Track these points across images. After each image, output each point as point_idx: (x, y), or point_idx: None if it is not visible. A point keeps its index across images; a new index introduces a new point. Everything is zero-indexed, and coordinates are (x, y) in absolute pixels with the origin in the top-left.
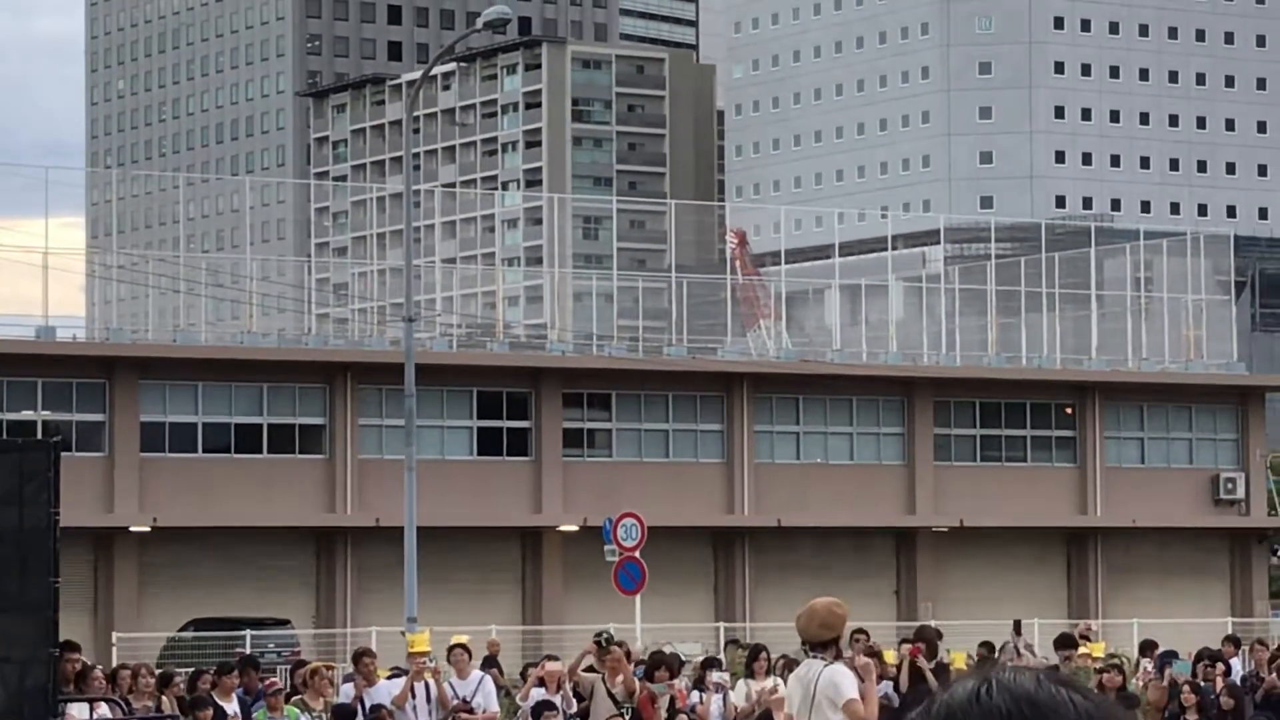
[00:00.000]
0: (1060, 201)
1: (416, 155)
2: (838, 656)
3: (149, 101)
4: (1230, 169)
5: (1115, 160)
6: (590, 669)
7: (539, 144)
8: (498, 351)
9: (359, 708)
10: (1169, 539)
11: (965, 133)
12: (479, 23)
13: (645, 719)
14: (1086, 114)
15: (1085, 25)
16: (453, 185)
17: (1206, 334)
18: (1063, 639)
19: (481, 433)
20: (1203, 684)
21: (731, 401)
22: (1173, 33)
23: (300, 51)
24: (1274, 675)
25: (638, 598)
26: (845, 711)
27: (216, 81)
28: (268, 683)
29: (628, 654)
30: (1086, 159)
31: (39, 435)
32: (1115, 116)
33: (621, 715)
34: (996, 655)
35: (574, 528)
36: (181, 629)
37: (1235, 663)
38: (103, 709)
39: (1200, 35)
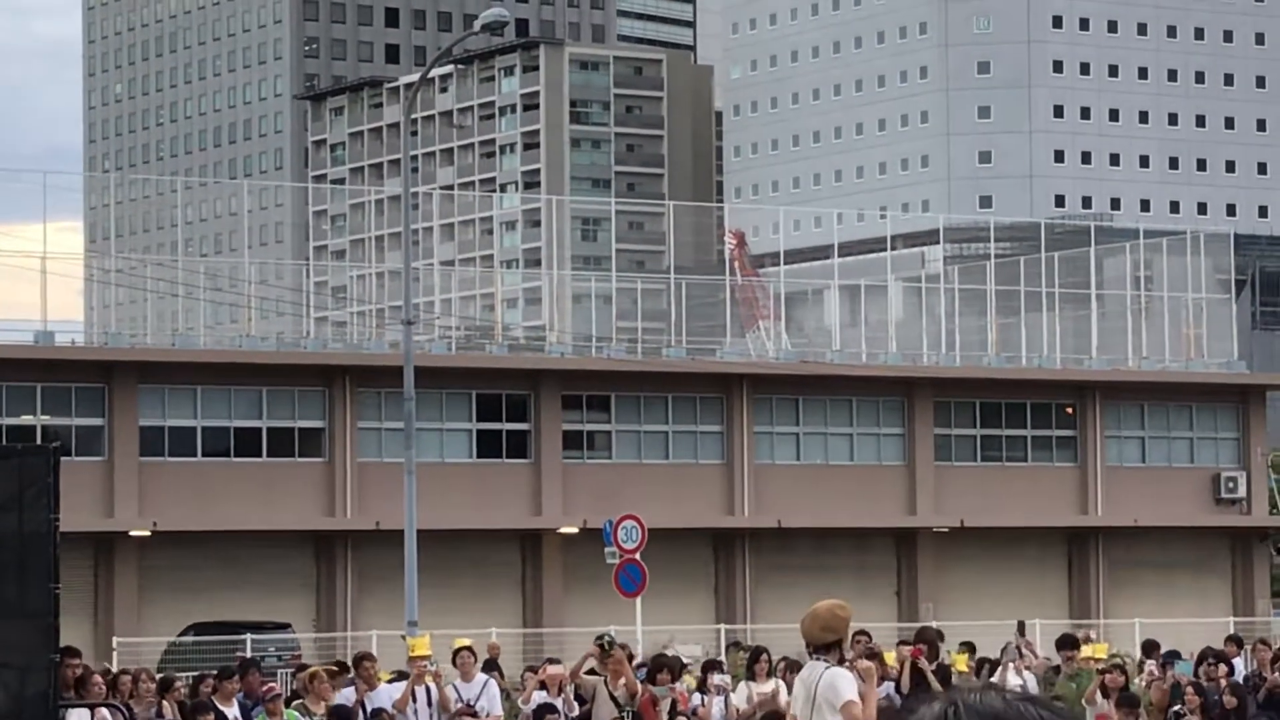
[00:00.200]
0: (1060, 201)
1: (414, 158)
2: (841, 659)
3: (146, 105)
4: (1230, 167)
5: (1114, 159)
6: (592, 672)
7: (537, 146)
8: (497, 354)
9: (359, 711)
10: (1170, 538)
11: (964, 132)
12: (476, 25)
13: None
14: (1085, 113)
15: (1084, 24)
16: (451, 187)
17: (1207, 333)
18: (1064, 639)
19: (481, 435)
20: (1206, 684)
21: (731, 403)
22: (1171, 31)
23: (298, 54)
24: (1276, 674)
25: (638, 600)
26: (843, 713)
27: (214, 85)
28: (266, 688)
29: (629, 657)
30: (1086, 158)
31: (38, 440)
32: (1114, 115)
33: (623, 718)
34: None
35: (574, 530)
36: (182, 633)
37: (1237, 662)
38: (104, 715)
39: (1199, 33)
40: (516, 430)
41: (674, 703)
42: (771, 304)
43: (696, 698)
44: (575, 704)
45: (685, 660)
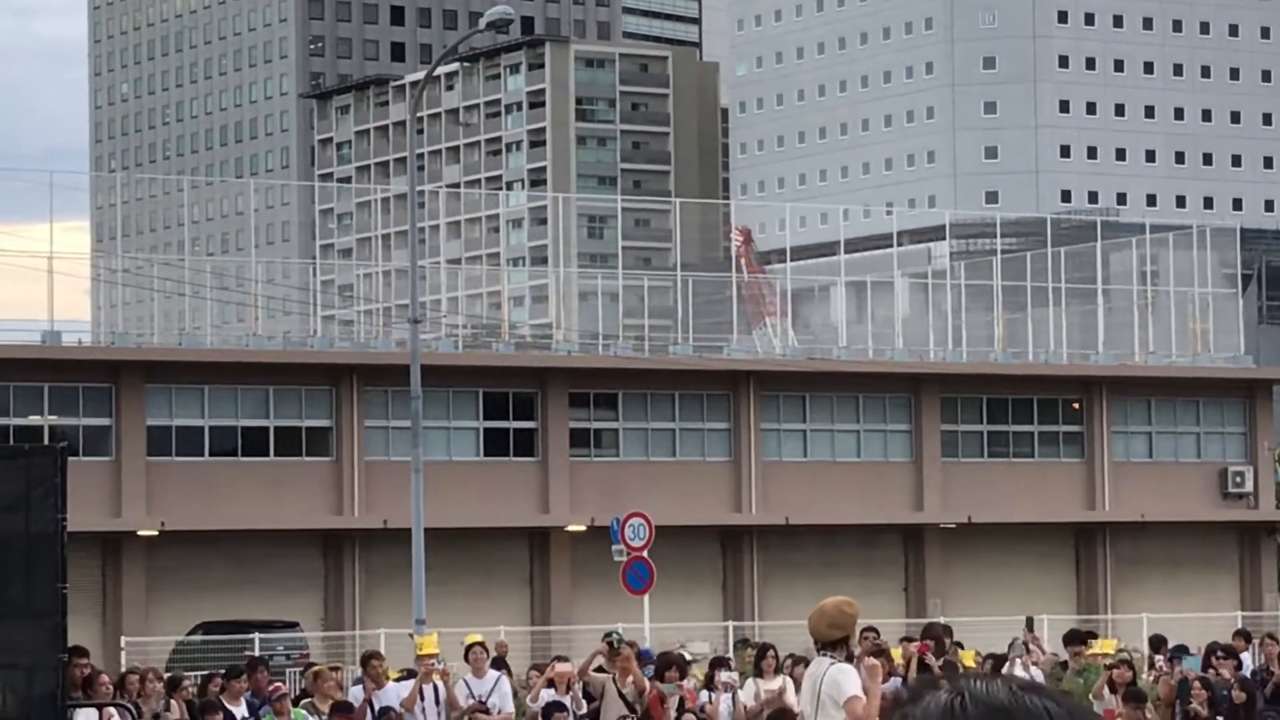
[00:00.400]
0: (1066, 196)
1: (420, 156)
2: (849, 656)
3: (153, 105)
4: (1236, 161)
5: (1120, 154)
6: (600, 669)
7: (543, 143)
8: (503, 352)
9: (368, 710)
10: (1178, 533)
11: (970, 128)
12: (482, 23)
13: (655, 719)
14: (1091, 108)
15: (1089, 19)
16: (457, 186)
17: (1213, 327)
18: (1072, 635)
19: (488, 433)
20: (1214, 679)
21: (738, 400)
22: (1177, 25)
23: (303, 53)
24: None
25: (646, 597)
26: (845, 709)
27: (220, 84)
28: (272, 688)
29: (637, 654)
30: (1092, 153)
31: (45, 440)
32: (1120, 110)
33: (632, 715)
34: (1006, 652)
35: (581, 528)
36: (190, 632)
37: (1245, 657)
38: (112, 714)
39: (1204, 28)
40: (523, 428)
41: (682, 700)
42: (778, 301)
43: (704, 695)
44: (583, 702)
45: (688, 657)
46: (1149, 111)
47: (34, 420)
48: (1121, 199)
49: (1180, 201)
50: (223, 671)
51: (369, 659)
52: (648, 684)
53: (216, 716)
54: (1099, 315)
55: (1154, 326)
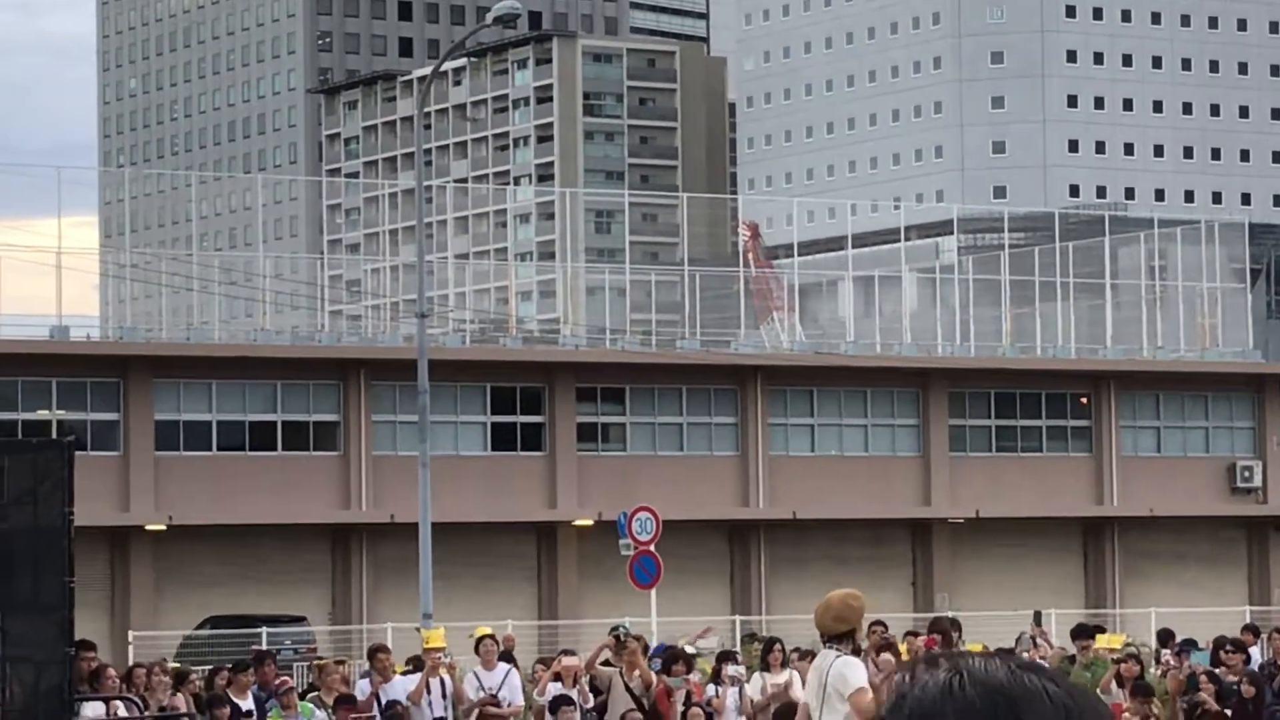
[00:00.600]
0: (1074, 190)
1: (428, 151)
2: (855, 649)
3: (160, 100)
4: (1244, 156)
5: (1129, 149)
6: (607, 663)
7: (550, 139)
8: (511, 346)
9: (374, 703)
10: (1186, 528)
11: (978, 123)
12: (489, 18)
13: (662, 712)
14: (1099, 103)
15: (1097, 13)
16: (464, 181)
17: (1222, 322)
18: (1080, 629)
19: (495, 428)
20: (1222, 674)
21: (745, 394)
22: (1185, 20)
23: (311, 48)
24: None
25: (653, 591)
26: (850, 702)
27: (228, 79)
28: (279, 681)
29: (644, 648)
30: (1100, 148)
31: (53, 435)
32: (1128, 105)
33: (638, 709)
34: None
35: (589, 522)
36: (198, 627)
37: (1254, 651)
38: (119, 708)
39: (1213, 22)
40: (531, 423)
41: (688, 694)
42: (785, 295)
43: (711, 689)
44: (590, 695)
45: (691, 651)
46: (1157, 106)
47: (42, 415)
48: (1130, 194)
49: (1189, 196)
50: (229, 665)
51: (375, 652)
52: (654, 678)
53: (223, 710)
54: (1107, 310)
55: (1162, 321)
